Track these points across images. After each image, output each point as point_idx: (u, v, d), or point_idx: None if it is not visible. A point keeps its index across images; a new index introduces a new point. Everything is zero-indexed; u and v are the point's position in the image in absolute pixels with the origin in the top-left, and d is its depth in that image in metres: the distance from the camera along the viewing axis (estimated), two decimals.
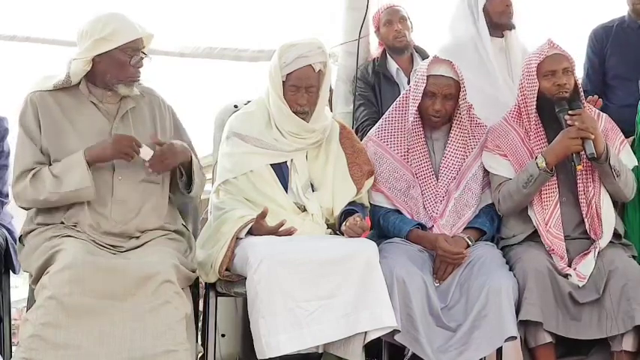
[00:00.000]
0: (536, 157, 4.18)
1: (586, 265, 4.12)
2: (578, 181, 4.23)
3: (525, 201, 4.23)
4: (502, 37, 4.95)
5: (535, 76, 4.22)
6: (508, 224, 4.34)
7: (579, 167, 4.14)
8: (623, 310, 4.02)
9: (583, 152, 4.12)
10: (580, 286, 4.08)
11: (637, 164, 4.34)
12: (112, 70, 3.96)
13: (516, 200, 4.23)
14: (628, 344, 4.05)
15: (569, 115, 4.14)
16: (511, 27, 4.90)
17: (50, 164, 3.92)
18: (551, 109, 4.20)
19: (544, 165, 4.14)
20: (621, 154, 4.28)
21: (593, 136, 4.11)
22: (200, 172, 4.15)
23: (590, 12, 5.77)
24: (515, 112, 4.35)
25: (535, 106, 4.24)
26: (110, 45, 3.92)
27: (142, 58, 3.99)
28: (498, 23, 4.88)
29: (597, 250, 4.15)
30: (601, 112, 4.35)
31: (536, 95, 4.23)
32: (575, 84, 4.24)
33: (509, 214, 4.32)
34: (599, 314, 4.06)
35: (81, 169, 3.85)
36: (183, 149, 4.06)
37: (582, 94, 4.28)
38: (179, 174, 4.10)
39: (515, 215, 4.30)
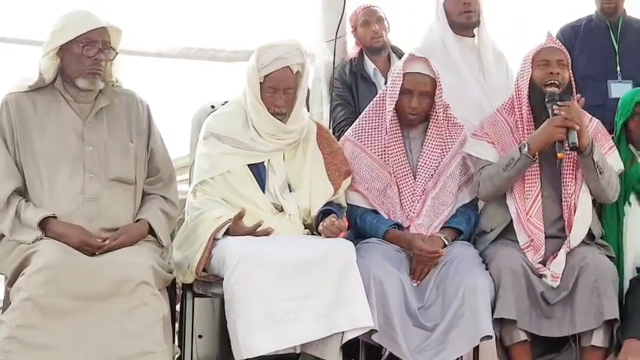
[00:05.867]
0: (520, 143, 4.21)
1: (558, 264, 4.15)
2: (563, 176, 4.26)
3: (504, 185, 4.26)
4: (474, 36, 4.97)
5: (530, 65, 4.28)
6: (486, 214, 4.37)
7: (560, 155, 4.15)
8: (594, 305, 4.06)
9: (566, 142, 4.14)
10: (554, 286, 4.11)
11: (622, 169, 4.37)
12: (71, 64, 3.95)
13: (496, 183, 4.25)
14: (598, 340, 4.09)
15: (557, 105, 4.18)
16: (470, 27, 4.91)
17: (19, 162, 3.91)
18: (542, 101, 4.23)
19: (526, 150, 4.17)
20: (608, 158, 4.30)
21: (577, 127, 4.14)
22: (165, 223, 4.06)
23: (558, 10, 5.81)
24: (508, 104, 4.38)
25: (527, 95, 4.28)
26: (65, 37, 3.90)
27: (101, 51, 3.94)
28: (457, 22, 4.90)
29: (568, 248, 4.17)
30: (593, 117, 4.38)
31: (528, 83, 4.27)
32: (569, 80, 4.28)
33: (488, 198, 4.34)
34: (571, 310, 4.09)
35: (33, 233, 3.81)
36: (140, 232, 3.98)
37: (574, 91, 4.31)
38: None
39: (495, 204, 4.32)
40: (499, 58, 5.01)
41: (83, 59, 3.92)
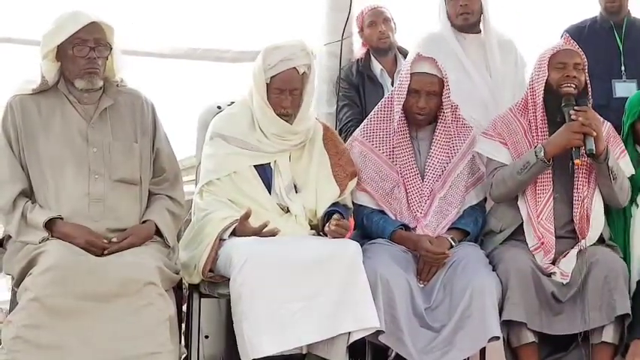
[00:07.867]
0: (536, 146, 4.20)
1: (568, 262, 4.15)
2: (575, 179, 4.25)
3: (517, 188, 4.25)
4: (479, 32, 4.97)
5: (546, 67, 4.26)
6: (497, 214, 4.36)
7: (577, 162, 4.15)
8: (605, 301, 4.06)
9: (583, 148, 4.14)
10: (564, 283, 4.10)
11: (634, 173, 4.36)
12: (68, 66, 3.95)
13: (509, 186, 4.24)
14: (608, 336, 4.09)
15: (574, 110, 4.17)
16: (469, 27, 4.92)
17: (25, 164, 3.91)
18: (557, 104, 4.22)
19: (542, 154, 4.16)
20: (620, 162, 4.30)
21: (595, 134, 4.13)
22: (171, 223, 4.06)
23: (556, 11, 5.81)
24: (521, 104, 4.37)
25: (542, 97, 4.27)
26: (56, 39, 3.90)
27: (93, 49, 3.91)
28: (455, 24, 4.91)
29: (580, 248, 4.17)
30: (605, 120, 4.36)
31: (544, 85, 4.26)
32: (586, 84, 4.28)
33: (500, 200, 4.33)
34: (582, 307, 4.08)
35: (39, 234, 3.82)
36: (147, 233, 3.98)
37: (590, 95, 4.30)
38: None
39: (505, 205, 4.31)
40: (507, 48, 4.99)
41: (77, 60, 3.92)
